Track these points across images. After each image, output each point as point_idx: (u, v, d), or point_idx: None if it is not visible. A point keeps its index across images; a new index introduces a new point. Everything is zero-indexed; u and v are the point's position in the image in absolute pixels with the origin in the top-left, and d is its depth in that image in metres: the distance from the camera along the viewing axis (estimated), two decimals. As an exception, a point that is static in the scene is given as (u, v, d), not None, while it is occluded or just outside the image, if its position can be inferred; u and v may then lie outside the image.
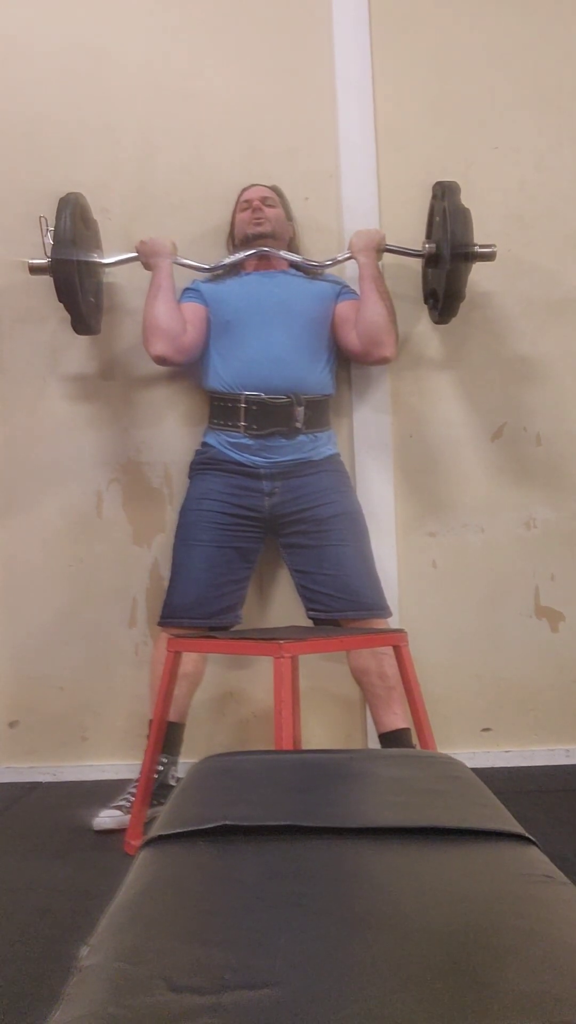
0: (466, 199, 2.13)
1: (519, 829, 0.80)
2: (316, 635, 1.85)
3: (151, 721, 2.02)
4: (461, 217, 2.09)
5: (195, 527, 2.17)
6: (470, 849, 0.76)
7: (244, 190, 2.36)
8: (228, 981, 0.53)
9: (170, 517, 2.46)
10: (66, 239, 2.09)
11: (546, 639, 2.42)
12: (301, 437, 2.16)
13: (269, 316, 2.20)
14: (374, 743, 2.39)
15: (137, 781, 1.99)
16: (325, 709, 2.44)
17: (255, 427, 2.15)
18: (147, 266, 2.27)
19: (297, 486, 2.16)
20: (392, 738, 2.10)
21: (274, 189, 2.36)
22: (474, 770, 1.01)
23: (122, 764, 2.37)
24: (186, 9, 2.50)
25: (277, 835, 0.76)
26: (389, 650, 2.06)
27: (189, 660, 2.10)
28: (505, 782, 2.16)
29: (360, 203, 2.45)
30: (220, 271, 2.30)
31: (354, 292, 2.30)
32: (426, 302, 2.38)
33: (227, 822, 0.77)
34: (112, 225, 2.45)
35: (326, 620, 2.14)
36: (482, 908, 0.66)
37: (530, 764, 2.41)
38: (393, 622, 2.22)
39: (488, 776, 1.03)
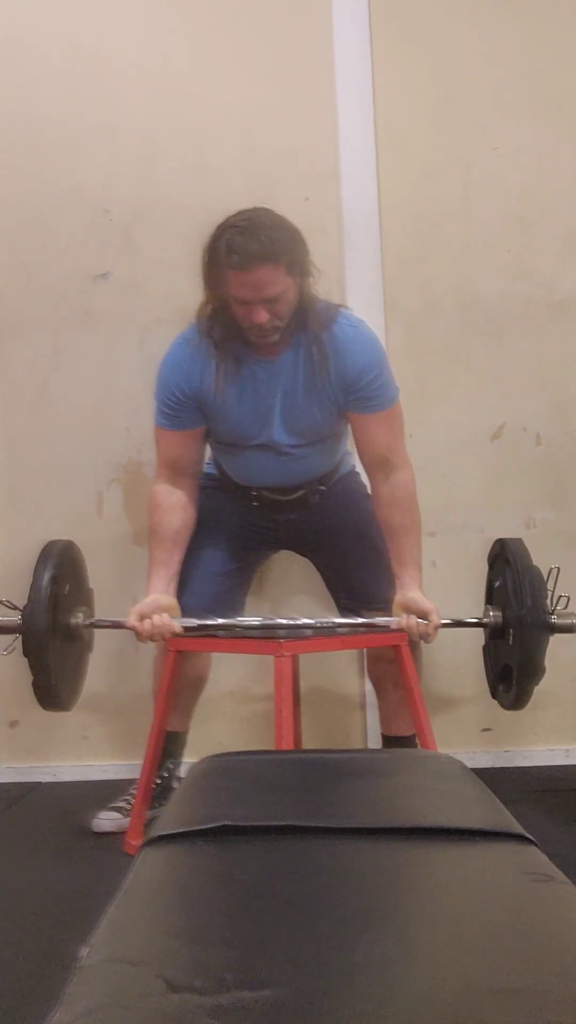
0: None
1: (519, 829, 0.80)
2: (317, 634, 1.85)
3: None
4: (535, 582, 1.74)
5: (204, 532, 2.04)
6: (470, 849, 0.76)
7: (235, 269, 1.72)
8: (228, 981, 0.53)
9: (170, 517, 2.47)
10: (42, 599, 1.74)
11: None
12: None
13: (269, 429, 1.91)
14: (374, 743, 2.39)
15: (137, 783, 1.99)
16: (325, 709, 2.44)
17: (268, 511, 2.05)
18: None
19: (314, 509, 2.08)
20: (395, 742, 2.10)
21: (278, 257, 1.72)
22: (474, 770, 1.01)
23: (122, 764, 2.37)
24: (186, 10, 2.50)
25: (277, 835, 0.76)
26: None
27: (194, 667, 2.07)
28: (505, 782, 2.17)
29: (360, 203, 2.45)
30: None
31: (367, 400, 1.90)
32: (495, 688, 1.96)
33: (227, 822, 0.77)
34: (112, 225, 2.45)
35: (351, 607, 2.06)
36: (482, 908, 0.66)
37: (530, 764, 2.41)
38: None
39: (488, 776, 1.03)
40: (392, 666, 2.01)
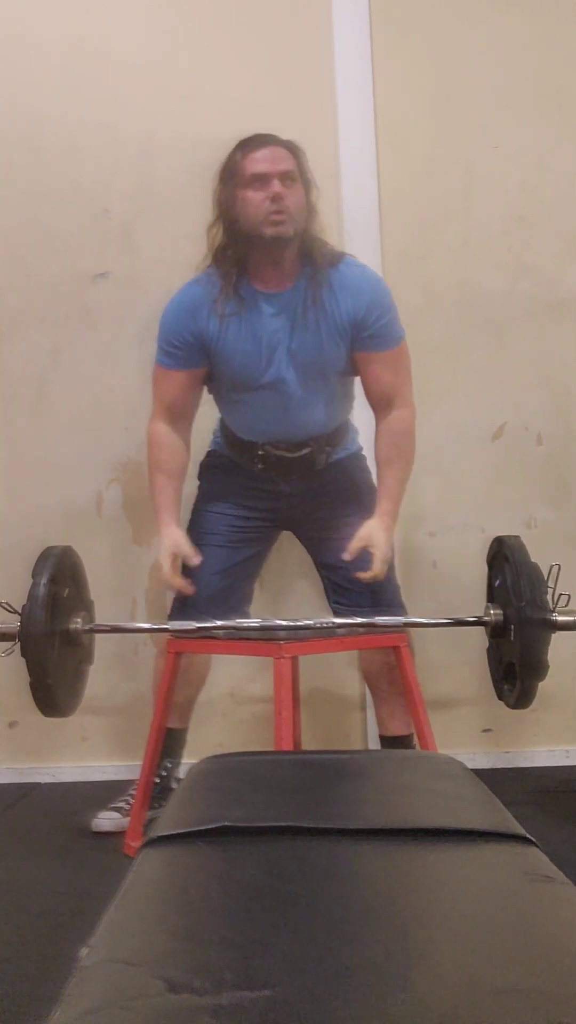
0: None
1: (519, 829, 0.80)
2: (316, 635, 1.85)
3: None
4: (534, 577, 1.73)
5: (208, 527, 2.05)
6: (470, 849, 0.76)
7: (251, 148, 1.84)
8: (227, 981, 0.53)
9: (170, 517, 2.47)
10: (41, 600, 1.71)
11: (546, 639, 2.42)
12: (320, 468, 2.05)
13: (276, 365, 1.92)
14: (374, 743, 2.39)
15: (136, 783, 1.98)
16: (325, 709, 2.44)
17: (272, 473, 2.03)
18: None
19: (317, 487, 2.05)
20: (393, 742, 2.10)
21: (291, 148, 1.87)
22: (474, 770, 1.01)
23: (122, 765, 2.37)
24: (186, 9, 2.50)
25: (277, 835, 0.76)
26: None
27: (193, 666, 2.07)
28: (505, 782, 2.17)
29: (360, 202, 2.45)
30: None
31: (375, 338, 1.92)
32: (499, 687, 1.92)
33: (227, 822, 0.77)
34: (112, 224, 2.45)
35: (348, 613, 2.03)
36: (482, 908, 0.66)
37: (530, 764, 2.41)
38: (393, 622, 2.22)
39: (488, 776, 1.03)
40: (385, 664, 2.01)
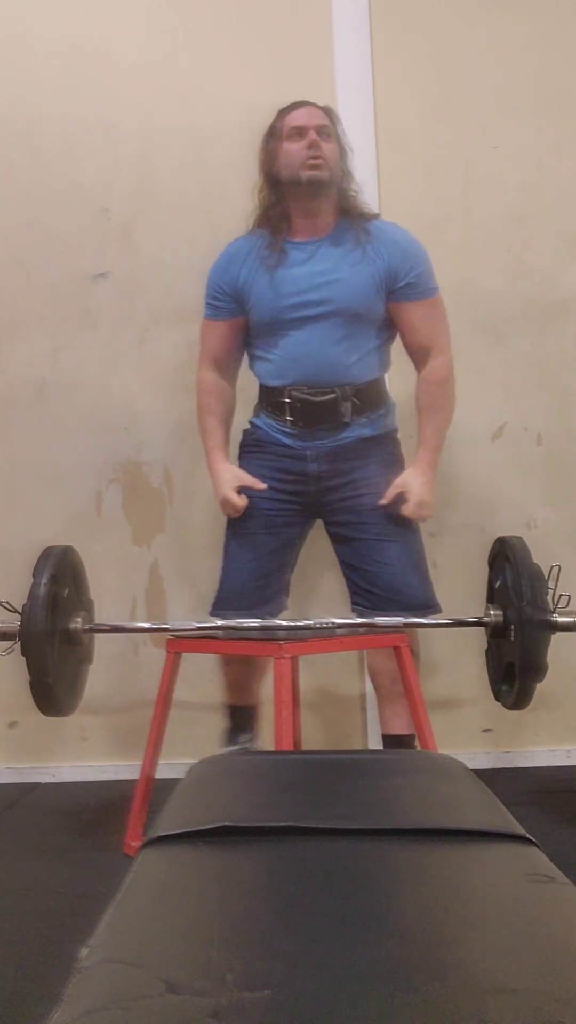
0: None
1: (519, 829, 0.80)
2: (316, 635, 1.85)
3: (227, 705, 2.17)
4: (535, 577, 1.73)
5: (243, 518, 2.09)
6: (470, 849, 0.76)
7: (290, 109, 2.02)
8: (228, 982, 0.52)
9: (170, 517, 2.46)
10: (41, 599, 1.72)
11: (546, 639, 2.42)
12: (347, 428, 2.07)
13: (309, 308, 2.01)
14: (374, 743, 2.39)
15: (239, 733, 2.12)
16: (325, 709, 2.44)
17: (300, 423, 2.06)
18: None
19: (346, 470, 2.07)
20: (395, 741, 2.10)
21: (326, 111, 2.05)
22: (474, 770, 1.01)
23: (122, 764, 2.36)
24: (186, 9, 2.50)
25: (277, 835, 0.76)
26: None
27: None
28: (505, 782, 2.16)
29: (360, 203, 2.45)
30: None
31: (412, 288, 2.03)
32: (497, 688, 1.91)
33: (227, 822, 0.77)
34: (111, 224, 2.45)
35: (369, 615, 2.04)
36: (482, 908, 0.66)
37: (530, 764, 2.41)
38: (393, 622, 2.22)
39: (488, 776, 1.03)
40: (388, 659, 2.02)
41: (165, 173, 2.48)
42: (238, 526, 2.10)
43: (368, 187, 2.45)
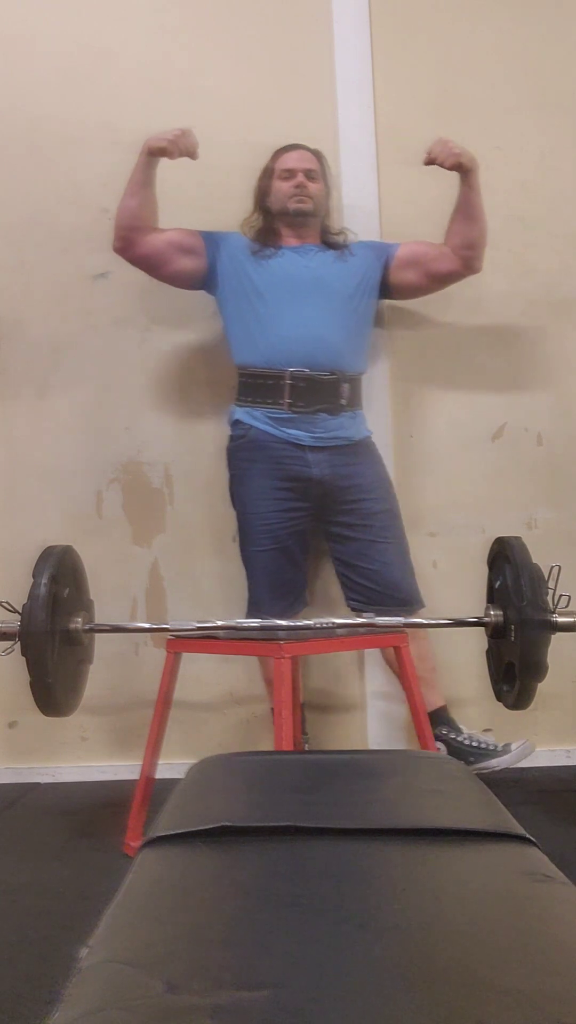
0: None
1: (519, 829, 0.80)
2: (316, 635, 1.85)
3: (272, 709, 2.14)
4: (535, 577, 1.72)
5: (253, 531, 2.18)
6: (470, 849, 0.76)
7: (283, 152, 2.27)
8: (227, 981, 0.52)
9: (170, 517, 2.46)
10: (41, 599, 1.71)
11: (546, 639, 2.42)
12: (344, 414, 2.17)
13: (306, 293, 2.17)
14: (374, 743, 2.39)
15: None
16: (325, 709, 2.44)
17: (301, 404, 2.13)
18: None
19: (345, 475, 2.16)
20: (435, 716, 2.16)
21: (316, 155, 2.28)
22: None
23: (121, 764, 2.36)
24: (187, 9, 2.50)
25: (277, 835, 0.76)
26: (425, 633, 2.15)
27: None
28: (506, 783, 2.16)
29: (360, 203, 2.45)
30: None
31: (393, 247, 2.28)
32: (497, 688, 1.90)
33: (227, 822, 0.77)
34: (112, 224, 2.44)
35: (364, 610, 2.12)
36: (482, 908, 0.65)
37: (530, 764, 2.40)
38: (393, 622, 2.22)
39: (489, 777, 1.03)
40: (413, 641, 2.06)
41: (165, 173, 2.47)
42: (250, 541, 2.19)
43: (368, 186, 2.46)
